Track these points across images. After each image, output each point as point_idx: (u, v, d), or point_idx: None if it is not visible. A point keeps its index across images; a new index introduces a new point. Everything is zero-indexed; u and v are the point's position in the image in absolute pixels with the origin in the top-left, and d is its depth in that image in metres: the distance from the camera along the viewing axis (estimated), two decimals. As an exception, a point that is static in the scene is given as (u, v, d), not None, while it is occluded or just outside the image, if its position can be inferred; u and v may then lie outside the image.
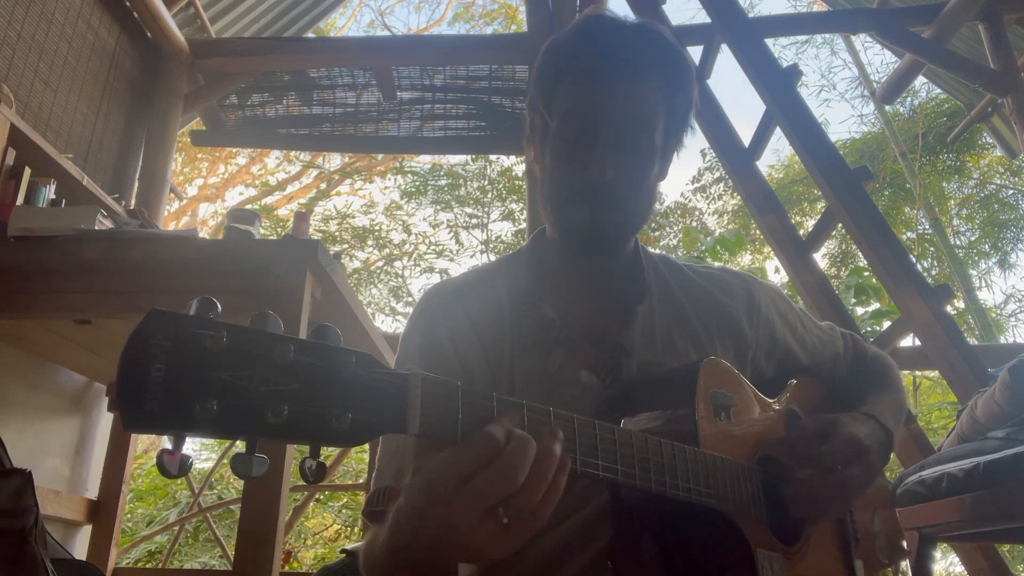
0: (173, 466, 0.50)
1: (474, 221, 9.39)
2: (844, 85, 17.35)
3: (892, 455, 1.07)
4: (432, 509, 0.60)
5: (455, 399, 0.61)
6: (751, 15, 3.96)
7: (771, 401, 1.00)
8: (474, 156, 8.79)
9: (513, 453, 0.59)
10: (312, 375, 0.54)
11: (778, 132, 3.16)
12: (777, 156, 10.01)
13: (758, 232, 7.94)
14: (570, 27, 1.00)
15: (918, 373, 6.35)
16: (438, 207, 9.47)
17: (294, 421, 0.52)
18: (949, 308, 2.99)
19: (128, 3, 3.32)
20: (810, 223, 7.78)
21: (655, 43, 0.96)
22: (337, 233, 9.38)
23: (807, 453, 0.89)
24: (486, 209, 9.31)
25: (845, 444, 0.90)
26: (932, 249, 8.22)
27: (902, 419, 1.11)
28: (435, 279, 9.15)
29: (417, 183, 9.51)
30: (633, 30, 0.96)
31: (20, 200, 2.15)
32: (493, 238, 9.33)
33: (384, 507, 0.84)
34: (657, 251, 1.16)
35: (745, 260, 9.22)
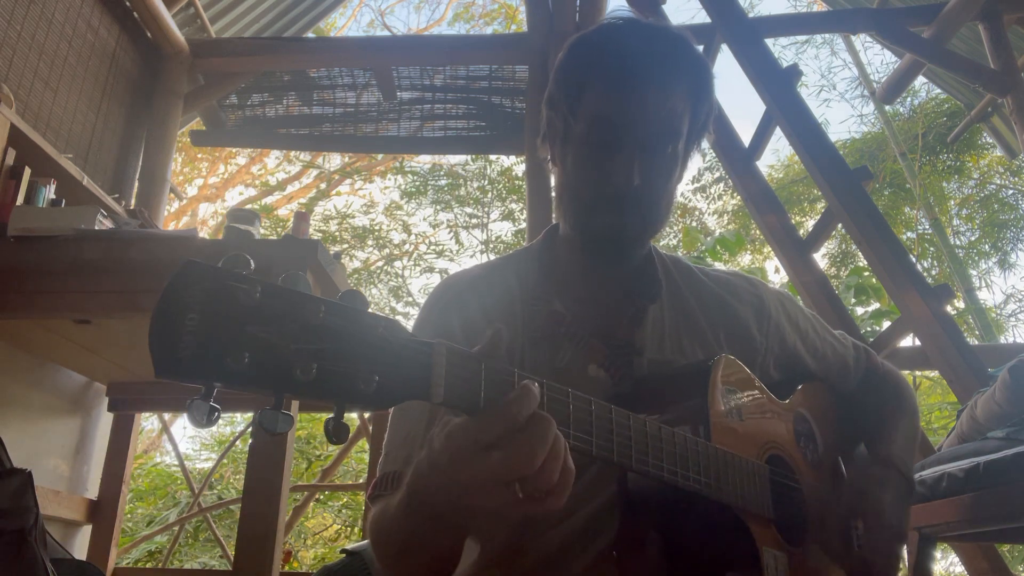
0: (202, 416, 0.51)
1: (474, 221, 9.39)
2: (844, 85, 17.33)
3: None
4: (454, 468, 0.60)
5: (478, 371, 0.61)
6: (751, 15, 3.96)
7: (781, 402, 1.00)
8: (474, 156, 8.79)
9: (532, 435, 0.59)
10: (341, 336, 0.54)
11: (778, 132, 3.16)
12: (777, 156, 10.01)
13: (758, 232, 7.94)
14: (596, 27, 0.99)
15: (918, 373, 6.36)
16: (438, 207, 9.46)
17: (322, 380, 0.52)
18: (949, 308, 2.99)
19: (128, 3, 3.32)
20: (810, 223, 7.78)
21: (684, 50, 0.96)
22: (337, 233, 9.37)
23: (846, 550, 0.93)
24: (486, 209, 9.30)
25: (887, 541, 0.94)
26: (932, 249, 8.22)
27: (917, 444, 1.13)
28: (435, 279, 9.15)
29: (417, 183, 9.50)
30: (663, 36, 0.96)
31: (20, 200, 2.15)
32: (493, 238, 9.33)
33: (391, 492, 0.85)
34: (668, 252, 1.16)
35: (745, 260, 9.22)
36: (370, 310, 0.57)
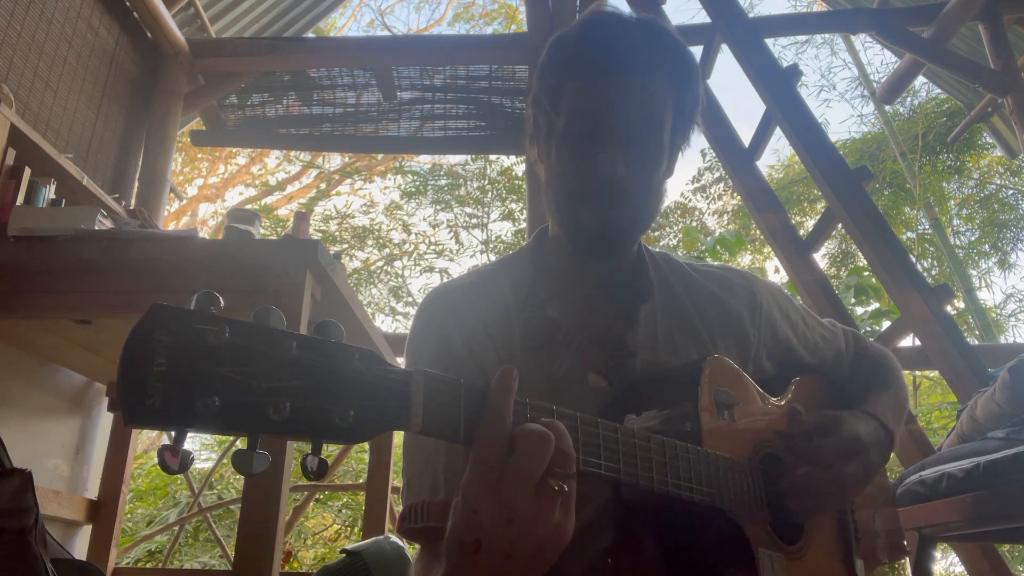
0: (174, 463, 0.50)
1: (474, 221, 9.39)
2: (844, 85, 17.37)
3: (892, 455, 1.07)
4: (493, 528, 0.59)
5: (458, 396, 0.61)
6: (751, 15, 3.96)
7: (774, 399, 1.00)
8: (474, 156, 8.79)
9: (529, 430, 0.60)
10: (315, 371, 0.53)
11: (778, 132, 3.16)
12: (777, 156, 10.04)
13: (758, 232, 7.94)
14: (575, 24, 0.98)
15: (918, 373, 6.36)
16: (438, 207, 9.47)
17: (296, 418, 0.51)
18: (949, 308, 2.99)
19: (128, 3, 3.32)
20: (810, 223, 7.79)
21: (663, 40, 0.95)
22: (337, 233, 9.38)
23: (806, 449, 0.89)
24: (486, 209, 9.31)
25: (844, 441, 0.90)
26: (932, 249, 8.22)
27: (903, 417, 1.11)
28: (435, 279, 9.16)
29: (417, 183, 9.50)
30: (641, 26, 0.95)
31: (20, 200, 2.15)
32: (493, 238, 9.34)
33: (423, 523, 0.84)
34: (657, 250, 1.15)
35: (745, 260, 9.21)
36: (345, 340, 0.56)
